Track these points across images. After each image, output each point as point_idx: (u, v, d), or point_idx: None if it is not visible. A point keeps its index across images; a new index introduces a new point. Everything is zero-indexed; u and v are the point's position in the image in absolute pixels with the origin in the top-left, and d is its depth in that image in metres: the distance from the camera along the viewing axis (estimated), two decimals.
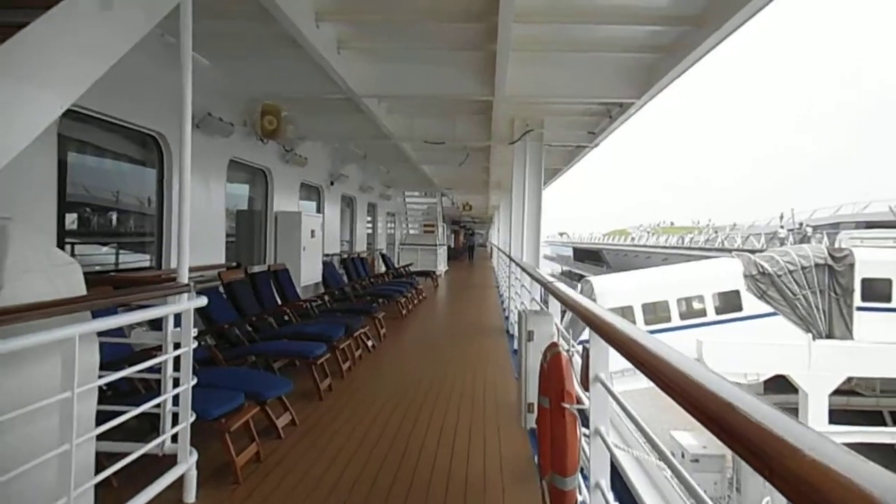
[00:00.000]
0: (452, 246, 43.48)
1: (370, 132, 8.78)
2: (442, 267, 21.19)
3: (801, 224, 37.04)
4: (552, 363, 2.44)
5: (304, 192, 10.83)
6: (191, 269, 6.09)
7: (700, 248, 42.51)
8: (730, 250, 33.73)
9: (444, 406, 4.98)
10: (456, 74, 6.16)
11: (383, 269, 16.16)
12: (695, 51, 5.01)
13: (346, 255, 12.22)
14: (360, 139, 10.08)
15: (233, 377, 4.06)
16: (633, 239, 66.76)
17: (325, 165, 11.20)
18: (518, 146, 8.66)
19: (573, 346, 2.57)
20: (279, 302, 7.57)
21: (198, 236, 6.37)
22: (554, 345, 2.59)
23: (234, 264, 7.09)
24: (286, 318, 6.76)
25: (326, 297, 8.67)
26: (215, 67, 6.19)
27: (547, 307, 3.61)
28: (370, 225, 16.80)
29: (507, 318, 10.44)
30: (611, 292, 18.13)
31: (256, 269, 7.39)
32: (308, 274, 8.91)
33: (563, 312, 9.98)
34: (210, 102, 6.23)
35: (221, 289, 6.38)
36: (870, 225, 27.88)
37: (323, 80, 5.97)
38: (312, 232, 9.10)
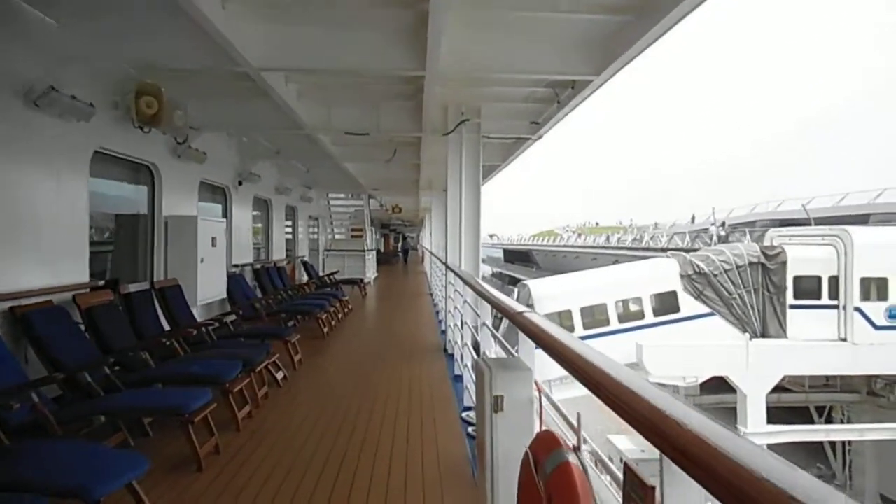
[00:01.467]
0: (382, 250, 42.20)
1: (281, 122, 7.45)
2: (371, 274, 19.86)
3: (723, 223, 38.01)
4: (558, 482, 1.31)
5: (206, 193, 9.32)
6: (21, 294, 4.65)
7: (628, 248, 43.15)
8: (658, 249, 34.15)
9: (369, 472, 3.77)
10: (379, 42, 4.95)
11: (306, 278, 14.73)
12: (672, 12, 4.06)
13: (259, 265, 10.74)
14: (271, 131, 8.70)
15: (43, 464, 2.70)
16: (561, 239, 67.57)
17: (232, 162, 9.72)
18: (453, 138, 7.58)
19: (590, 447, 1.46)
20: (165, 328, 6.14)
21: (42, 247, 4.90)
22: (551, 440, 1.46)
23: (101, 283, 5.61)
24: (179, 347, 5.36)
25: (231, 318, 7.26)
26: (65, 30, 4.73)
27: (514, 346, 2.49)
28: (290, 230, 15.31)
29: (443, 332, 9.33)
30: (549, 296, 17.42)
31: (134, 287, 5.93)
32: (207, 290, 7.46)
33: (505, 325, 9.13)
34: (56, 74, 4.75)
35: (79, 317, 4.93)
36: (784, 223, 28.69)
37: (209, 47, 4.64)
38: (213, 240, 7.65)
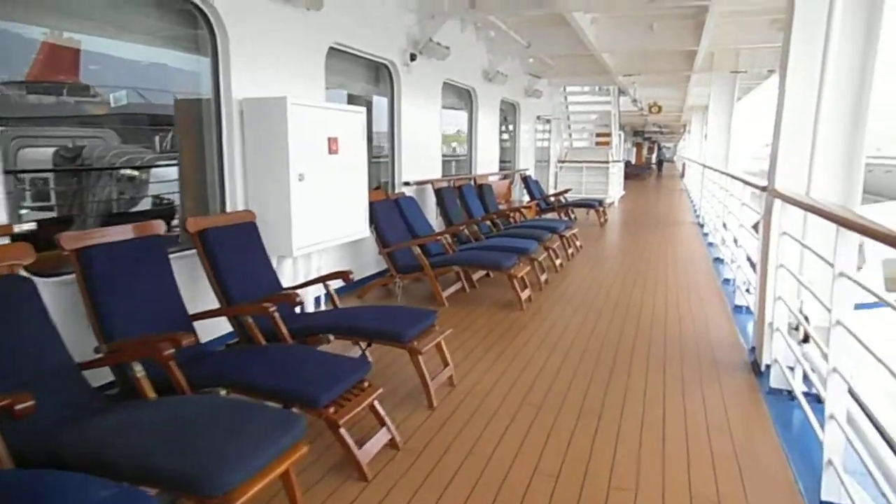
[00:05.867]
0: (634, 162, 36.73)
1: None
2: (615, 192, 15.53)
3: None
4: None
5: (357, 75, 6.26)
6: None
7: None
8: None
9: None
10: None
11: (527, 198, 11.21)
12: None
13: (447, 183, 7.45)
14: None
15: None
16: None
17: (400, 23, 6.36)
18: None
19: None
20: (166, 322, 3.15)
21: None
22: None
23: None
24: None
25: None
26: None
27: None
28: (519, 136, 11.80)
29: (738, 309, 5.12)
30: None
31: (117, 235, 2.98)
32: (318, 228, 4.36)
33: None
34: None
35: None
36: None
37: None
38: (331, 142, 4.45)
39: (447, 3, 6.53)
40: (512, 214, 8.33)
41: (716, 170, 8.91)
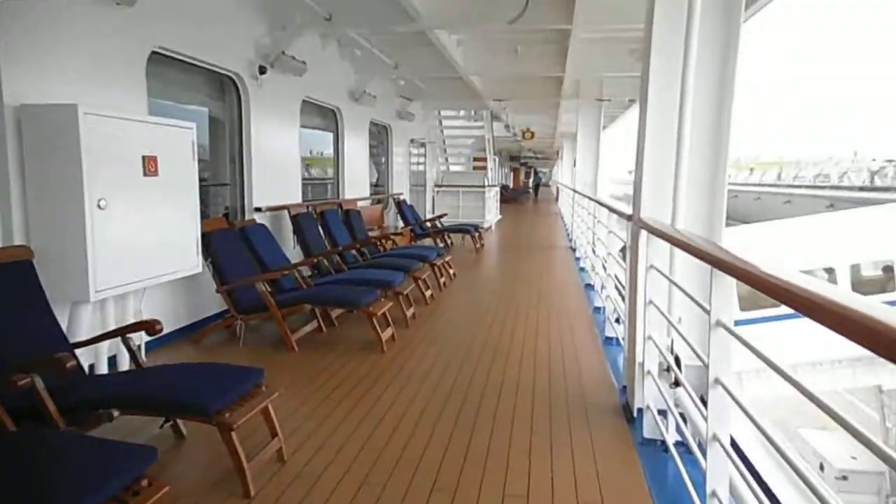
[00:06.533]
0: (511, 186, 37.75)
1: None
2: (492, 216, 15.55)
3: None
4: None
5: (195, 87, 5.51)
6: None
7: (846, 188, 35.26)
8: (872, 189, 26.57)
9: None
10: None
11: (401, 224, 10.77)
12: None
13: (307, 208, 6.80)
14: None
15: None
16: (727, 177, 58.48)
17: (245, 32, 5.70)
18: None
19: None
20: None
21: None
22: None
23: None
24: None
25: (136, 338, 3.31)
26: None
27: None
28: (392, 159, 11.33)
29: (609, 340, 4.92)
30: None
31: None
32: (127, 266, 3.57)
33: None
34: None
35: None
36: None
37: None
38: (148, 162, 3.70)
39: (299, 15, 5.96)
40: (381, 242, 7.81)
41: (584, 195, 8.97)
